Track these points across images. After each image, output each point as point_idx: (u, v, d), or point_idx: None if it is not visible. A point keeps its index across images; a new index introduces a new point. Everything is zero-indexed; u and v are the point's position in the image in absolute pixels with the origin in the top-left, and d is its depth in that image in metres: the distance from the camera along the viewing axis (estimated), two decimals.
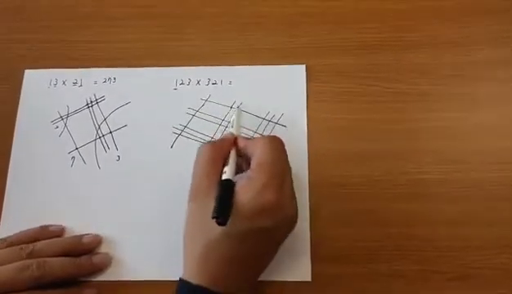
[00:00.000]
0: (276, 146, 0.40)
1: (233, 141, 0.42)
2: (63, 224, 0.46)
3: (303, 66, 0.51)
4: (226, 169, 0.39)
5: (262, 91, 0.50)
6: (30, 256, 0.43)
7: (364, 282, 0.43)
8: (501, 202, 0.45)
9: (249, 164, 0.40)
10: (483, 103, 0.49)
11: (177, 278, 0.41)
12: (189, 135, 0.49)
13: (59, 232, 0.46)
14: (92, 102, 0.51)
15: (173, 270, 0.43)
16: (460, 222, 0.45)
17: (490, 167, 0.46)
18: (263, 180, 0.37)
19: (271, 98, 0.50)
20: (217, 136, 0.49)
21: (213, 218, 0.34)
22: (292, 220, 0.39)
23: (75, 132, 0.50)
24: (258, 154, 0.39)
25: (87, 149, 0.49)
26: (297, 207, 0.40)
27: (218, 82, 0.51)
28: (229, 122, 0.49)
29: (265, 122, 0.49)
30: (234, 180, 0.38)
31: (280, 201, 0.37)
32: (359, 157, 0.47)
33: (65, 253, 0.44)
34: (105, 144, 0.49)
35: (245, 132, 0.49)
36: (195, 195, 0.39)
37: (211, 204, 0.36)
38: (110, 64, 0.52)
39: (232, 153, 0.41)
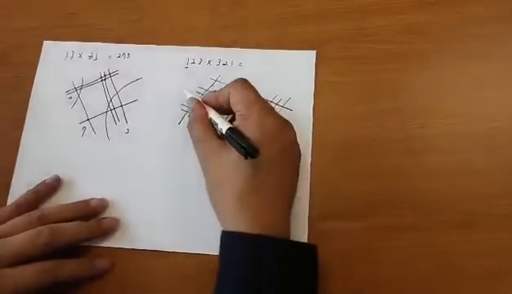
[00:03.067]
0: (247, 82, 0.44)
1: (202, 104, 0.45)
2: (71, 191, 0.48)
3: (314, 52, 0.51)
4: (219, 125, 0.42)
5: (271, 74, 0.51)
6: (40, 221, 0.44)
7: (368, 235, 0.45)
8: (498, 151, 0.47)
9: (227, 112, 0.44)
10: (476, 58, 0.50)
11: (184, 249, 0.45)
12: None
13: (56, 184, 0.48)
14: (105, 76, 0.53)
15: (180, 240, 0.46)
16: (459, 172, 0.46)
17: (483, 118, 0.48)
18: (257, 111, 0.41)
19: (279, 82, 0.51)
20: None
21: (246, 157, 0.38)
22: (295, 138, 0.43)
23: (88, 104, 0.51)
24: (237, 95, 0.43)
25: (97, 121, 0.51)
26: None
27: (229, 63, 0.52)
28: None
29: (272, 105, 0.50)
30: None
31: (281, 121, 0.42)
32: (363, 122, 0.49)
33: (74, 217, 0.46)
34: (115, 117, 0.51)
35: None
36: (208, 158, 0.43)
37: (226, 157, 0.40)
38: (124, 40, 0.54)
39: (212, 112, 0.44)
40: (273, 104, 0.50)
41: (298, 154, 0.43)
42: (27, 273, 0.41)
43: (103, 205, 0.47)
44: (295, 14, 0.53)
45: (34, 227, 0.43)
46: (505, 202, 0.45)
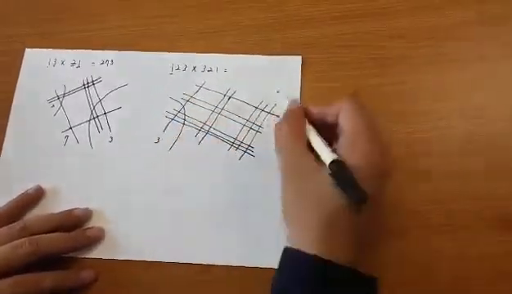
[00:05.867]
0: (364, 107, 0.39)
1: (303, 111, 0.41)
2: (54, 201, 0.47)
3: (299, 57, 0.51)
4: (319, 149, 0.38)
5: (257, 80, 0.50)
6: (22, 232, 0.43)
7: None
8: (484, 154, 0.47)
9: (328, 130, 0.40)
10: (464, 61, 0.50)
11: (171, 259, 0.44)
12: (182, 121, 0.49)
13: (38, 194, 0.47)
14: (88, 83, 0.52)
15: (167, 250, 0.45)
16: (446, 176, 0.46)
17: (470, 121, 0.48)
18: (367, 144, 0.37)
19: (264, 88, 0.50)
20: (211, 122, 0.49)
21: (357, 204, 0.34)
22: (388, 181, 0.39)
23: (70, 112, 0.51)
24: (351, 118, 0.38)
25: (80, 129, 0.50)
26: None
27: (214, 69, 0.51)
28: (221, 108, 0.50)
29: (258, 111, 0.49)
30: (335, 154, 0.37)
31: (387, 164, 0.37)
32: None
33: (57, 228, 0.45)
34: (98, 125, 0.50)
35: (238, 120, 0.49)
36: (295, 174, 0.38)
37: (319, 180, 0.36)
38: (108, 47, 0.53)
39: (312, 131, 0.40)
40: (259, 110, 0.49)
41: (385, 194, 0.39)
42: (7, 286, 0.40)
43: (87, 215, 0.47)
44: (281, 19, 0.53)
45: (16, 239, 0.43)
46: (494, 205, 0.45)
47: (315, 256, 0.35)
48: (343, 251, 0.35)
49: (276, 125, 0.42)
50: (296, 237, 0.37)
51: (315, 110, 0.41)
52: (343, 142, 0.38)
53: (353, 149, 0.37)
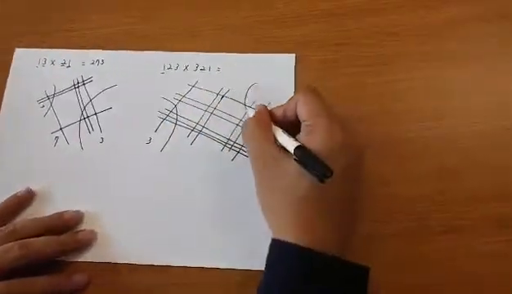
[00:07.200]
0: (317, 93, 0.41)
1: (266, 109, 0.44)
2: (44, 204, 0.47)
3: (293, 55, 0.50)
4: (284, 142, 0.40)
5: (250, 78, 0.50)
6: (11, 236, 0.43)
7: (356, 242, 0.43)
8: (482, 154, 0.46)
9: (295, 126, 0.41)
10: (459, 59, 0.50)
11: (164, 263, 0.44)
12: (174, 121, 0.49)
13: (28, 197, 0.47)
14: (78, 83, 0.51)
15: (159, 253, 0.44)
16: (445, 177, 0.45)
17: (467, 121, 0.47)
18: (324, 124, 0.39)
19: (258, 86, 0.49)
20: (203, 122, 0.49)
21: (323, 180, 0.36)
22: (361, 155, 0.41)
23: (60, 112, 0.50)
24: (306, 106, 0.40)
25: (71, 130, 0.49)
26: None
27: (206, 68, 0.51)
28: (214, 108, 0.49)
29: (251, 111, 0.49)
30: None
31: (347, 138, 0.39)
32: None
33: (47, 231, 0.44)
34: (89, 126, 0.49)
35: (231, 120, 0.49)
36: (263, 163, 0.40)
37: (286, 167, 0.38)
38: (98, 47, 0.52)
39: (278, 130, 0.42)
40: (252, 110, 0.49)
41: (362, 169, 0.41)
42: None
43: (78, 217, 0.46)
44: (273, 17, 0.52)
45: (6, 242, 0.42)
46: (495, 204, 0.44)
47: (295, 245, 0.36)
48: (325, 236, 0.37)
49: (243, 126, 0.44)
50: (275, 226, 0.39)
51: (278, 112, 0.43)
52: (303, 130, 0.40)
53: (314, 134, 0.39)
